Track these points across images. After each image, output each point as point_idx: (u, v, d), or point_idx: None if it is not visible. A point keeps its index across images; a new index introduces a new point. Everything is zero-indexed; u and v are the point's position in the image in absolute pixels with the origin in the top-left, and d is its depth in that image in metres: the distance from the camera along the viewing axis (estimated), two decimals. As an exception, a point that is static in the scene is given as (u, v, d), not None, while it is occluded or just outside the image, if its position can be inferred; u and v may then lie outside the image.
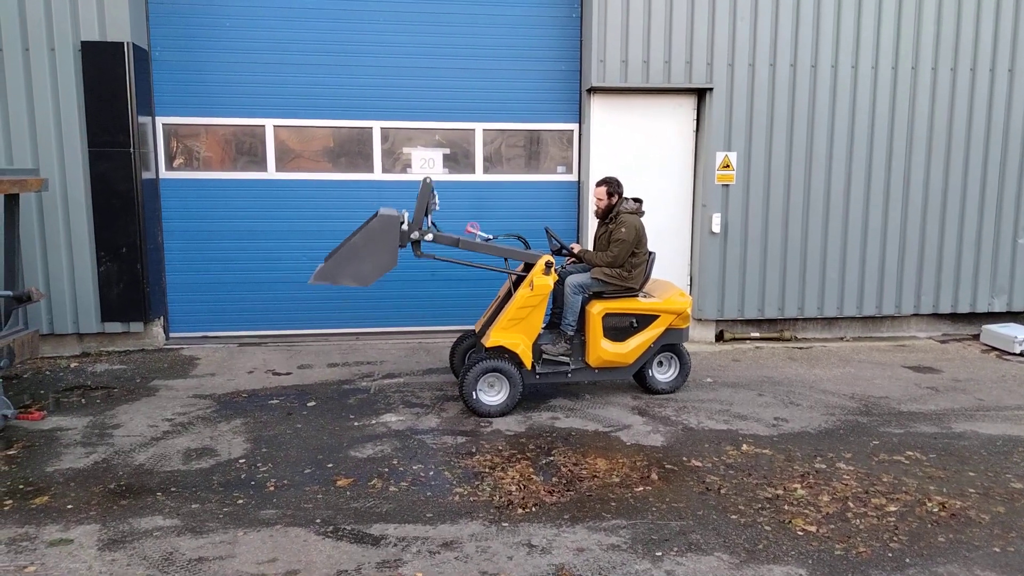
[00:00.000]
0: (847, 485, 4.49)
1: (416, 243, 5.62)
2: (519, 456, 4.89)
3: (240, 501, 4.21)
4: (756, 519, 4.04)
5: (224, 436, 5.21)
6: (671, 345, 6.13)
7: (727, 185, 7.80)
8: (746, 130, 7.75)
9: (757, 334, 8.19)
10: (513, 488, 4.40)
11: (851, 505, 4.22)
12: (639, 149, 7.89)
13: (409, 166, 7.95)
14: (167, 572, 3.48)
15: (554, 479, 4.53)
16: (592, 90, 7.70)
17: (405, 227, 5.53)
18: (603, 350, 5.83)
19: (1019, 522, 4.05)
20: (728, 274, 7.94)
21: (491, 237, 5.95)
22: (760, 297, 8.02)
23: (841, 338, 8.35)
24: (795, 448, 5.08)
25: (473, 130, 7.96)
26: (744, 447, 5.08)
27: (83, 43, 6.86)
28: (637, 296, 5.96)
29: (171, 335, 7.79)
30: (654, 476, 4.59)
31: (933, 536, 3.89)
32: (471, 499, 4.26)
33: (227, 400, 6.01)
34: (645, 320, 5.92)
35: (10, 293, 5.66)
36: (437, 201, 5.67)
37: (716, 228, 7.82)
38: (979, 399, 6.22)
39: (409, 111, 7.84)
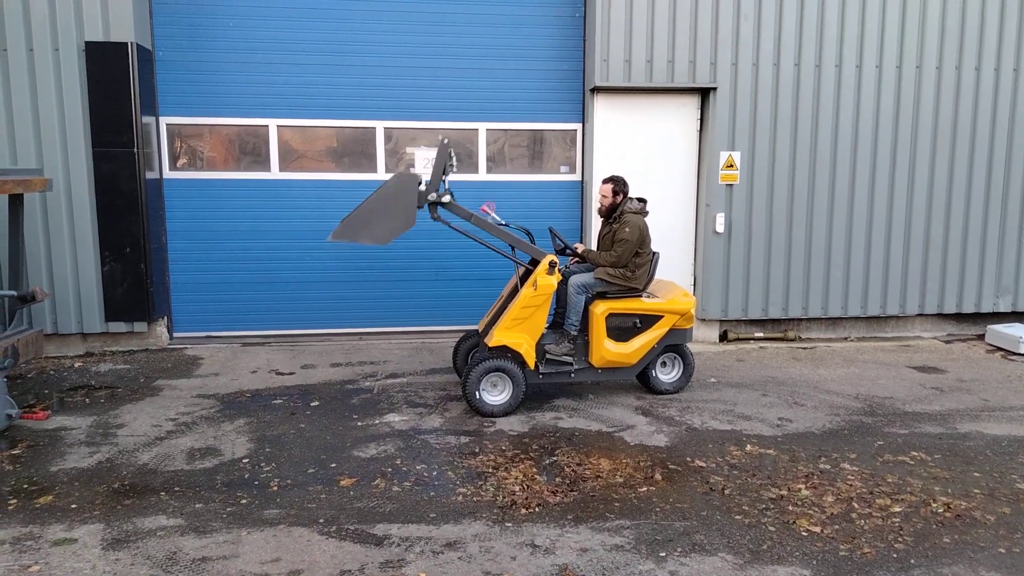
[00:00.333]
0: (851, 486, 4.47)
1: (433, 205, 5.61)
2: (522, 456, 4.88)
3: (244, 501, 4.21)
4: (760, 519, 4.03)
5: (228, 436, 5.22)
6: (675, 345, 6.12)
7: (731, 185, 7.78)
8: (750, 129, 7.74)
9: (761, 334, 8.18)
10: (516, 488, 4.39)
11: (855, 506, 4.21)
12: (642, 149, 7.88)
13: (412, 166, 7.95)
14: (171, 572, 3.48)
15: (558, 479, 4.53)
16: (595, 90, 7.69)
17: (423, 187, 5.52)
18: (606, 350, 5.82)
19: (1025, 523, 4.04)
20: (732, 274, 7.92)
21: (504, 223, 5.94)
22: (764, 297, 8.01)
23: (845, 338, 8.33)
24: (799, 448, 5.07)
25: (476, 130, 7.96)
26: (748, 447, 5.07)
27: (87, 43, 6.87)
28: (641, 296, 5.95)
29: (175, 335, 7.80)
30: (658, 476, 4.58)
31: (938, 537, 3.88)
32: (474, 499, 4.25)
33: (230, 400, 6.01)
34: (649, 320, 5.91)
35: (14, 293, 5.67)
36: (455, 162, 5.67)
37: (720, 228, 7.81)
38: (984, 399, 6.20)
39: (412, 111, 7.84)
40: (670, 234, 7.86)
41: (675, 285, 6.33)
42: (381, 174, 7.86)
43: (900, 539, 3.84)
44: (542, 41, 7.92)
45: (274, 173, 7.76)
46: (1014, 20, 7.93)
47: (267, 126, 7.68)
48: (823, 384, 6.59)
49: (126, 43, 6.88)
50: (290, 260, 7.85)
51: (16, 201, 5.81)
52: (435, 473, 4.62)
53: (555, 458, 4.85)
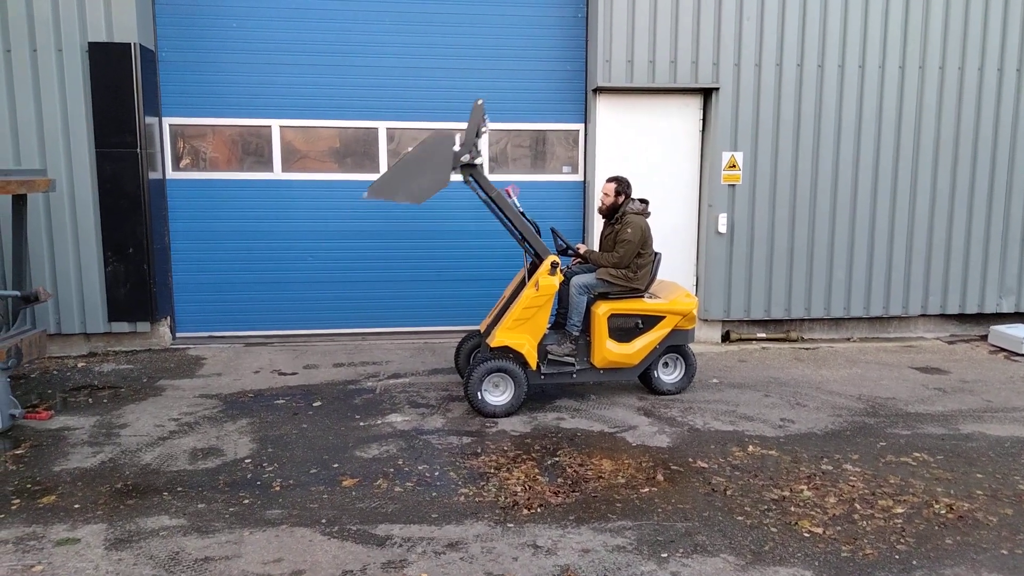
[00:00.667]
0: (854, 487, 4.47)
1: (465, 168, 5.61)
2: (524, 457, 4.88)
3: (246, 501, 4.22)
4: (762, 520, 4.03)
5: (230, 436, 5.23)
6: (677, 346, 6.12)
7: (733, 185, 7.78)
8: (752, 130, 7.73)
9: (763, 335, 8.17)
10: (518, 489, 4.40)
11: (858, 507, 4.21)
12: (645, 149, 7.88)
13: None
14: (173, 572, 3.49)
15: (559, 480, 4.53)
16: (598, 90, 7.69)
17: (457, 148, 5.52)
18: (608, 351, 5.82)
19: (1027, 524, 4.03)
20: (734, 274, 7.92)
21: (522, 210, 5.91)
22: (766, 297, 8.00)
23: (848, 339, 8.32)
24: (801, 449, 5.07)
25: (479, 130, 7.96)
26: (750, 448, 5.07)
27: (90, 44, 6.89)
28: (643, 297, 5.95)
29: (177, 335, 7.81)
30: (660, 477, 4.58)
31: (940, 538, 3.87)
32: (476, 500, 4.26)
33: (233, 400, 6.03)
34: (651, 321, 5.91)
35: (18, 293, 5.69)
36: (488, 125, 5.66)
37: (722, 228, 7.80)
38: (987, 400, 6.19)
39: (415, 111, 7.84)
40: (672, 234, 7.86)
41: (677, 286, 6.33)
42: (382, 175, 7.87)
43: (902, 540, 3.84)
44: (544, 42, 7.93)
45: (277, 173, 7.77)
46: (1017, 21, 7.92)
47: (270, 126, 7.69)
48: (825, 385, 6.58)
49: (129, 44, 6.90)
50: (293, 260, 7.87)
51: (20, 201, 5.83)
52: (437, 473, 4.63)
53: (557, 459, 4.86)
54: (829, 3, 7.66)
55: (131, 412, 5.71)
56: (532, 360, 5.64)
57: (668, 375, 6.25)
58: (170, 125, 7.56)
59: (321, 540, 3.79)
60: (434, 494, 4.33)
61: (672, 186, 7.97)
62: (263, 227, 7.79)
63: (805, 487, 4.46)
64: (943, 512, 4.16)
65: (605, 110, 7.79)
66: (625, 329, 5.88)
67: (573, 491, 4.38)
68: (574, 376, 5.90)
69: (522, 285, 5.86)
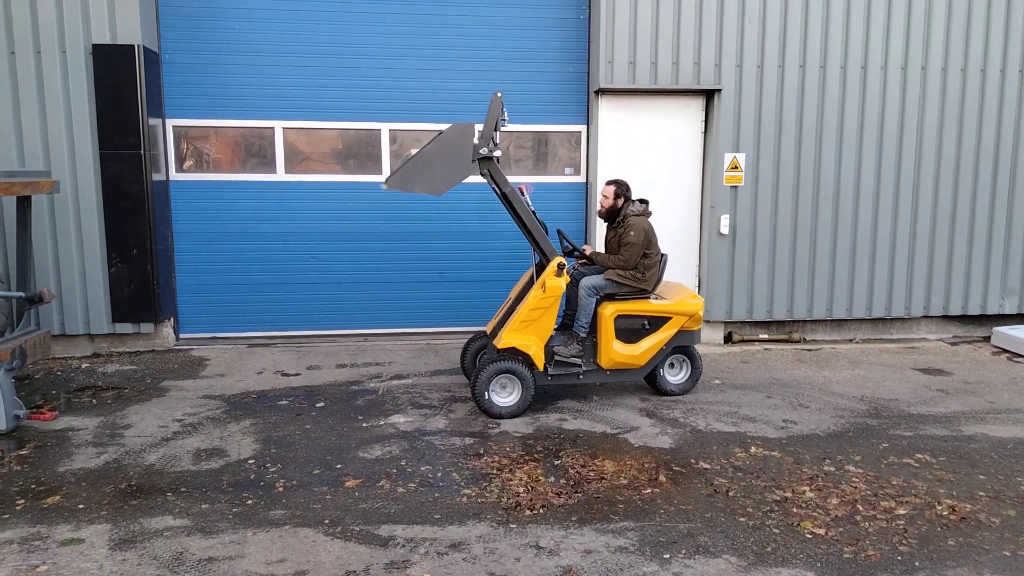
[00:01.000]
0: (856, 488, 4.47)
1: (483, 161, 5.57)
2: (527, 458, 4.89)
3: (249, 501, 4.23)
4: (764, 521, 4.04)
5: (233, 437, 5.24)
6: (683, 347, 6.12)
7: (736, 186, 7.78)
8: (754, 131, 7.73)
9: (766, 336, 8.17)
10: (521, 490, 4.40)
11: (860, 508, 4.21)
12: (647, 151, 7.89)
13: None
14: (177, 572, 3.50)
15: (562, 481, 4.54)
16: (600, 91, 7.70)
17: (476, 140, 5.50)
18: (615, 352, 5.83)
19: (1030, 526, 4.03)
20: (736, 275, 7.92)
21: (534, 210, 5.89)
22: (769, 298, 8.00)
23: (850, 340, 8.31)
24: (804, 450, 5.07)
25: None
26: (752, 449, 5.07)
27: (94, 46, 6.91)
28: (649, 298, 5.95)
29: (181, 336, 7.83)
30: (662, 478, 4.59)
31: (943, 540, 3.87)
32: (479, 500, 4.27)
33: (236, 401, 6.04)
34: (657, 322, 5.91)
35: (22, 294, 5.71)
36: (506, 117, 5.63)
37: (725, 229, 7.80)
38: (990, 401, 6.19)
39: (417, 113, 7.86)
40: (675, 236, 7.86)
41: (683, 287, 6.33)
42: (385, 176, 7.88)
43: (904, 542, 3.84)
44: (547, 43, 7.94)
45: (280, 175, 7.78)
46: (1020, 21, 7.92)
47: (273, 128, 7.71)
48: (828, 386, 6.58)
49: (133, 46, 6.92)
50: (296, 261, 7.88)
51: (24, 203, 5.86)
52: (440, 474, 4.64)
53: (560, 460, 4.86)
54: (831, 4, 7.66)
55: (135, 413, 5.73)
56: (539, 361, 5.64)
57: (674, 376, 6.25)
58: (173, 127, 7.58)
59: (324, 541, 3.80)
60: (437, 495, 4.34)
61: (674, 187, 7.98)
62: (266, 228, 7.81)
63: (807, 488, 4.46)
64: (945, 513, 4.16)
65: (607, 111, 7.79)
66: (632, 330, 5.88)
67: (575, 492, 4.38)
68: (581, 377, 5.90)
69: (529, 286, 5.86)
